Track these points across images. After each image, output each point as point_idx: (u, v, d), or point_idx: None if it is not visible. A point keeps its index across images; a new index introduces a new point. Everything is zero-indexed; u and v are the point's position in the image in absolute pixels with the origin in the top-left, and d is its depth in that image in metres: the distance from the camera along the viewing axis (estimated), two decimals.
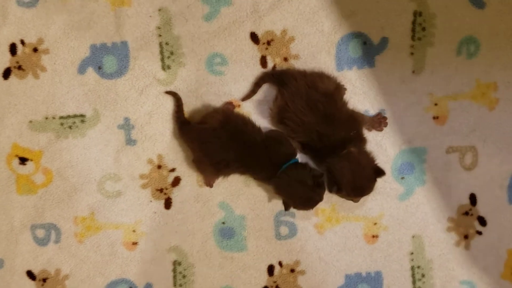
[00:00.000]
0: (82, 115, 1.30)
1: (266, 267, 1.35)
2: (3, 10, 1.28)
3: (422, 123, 1.33)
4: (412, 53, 1.31)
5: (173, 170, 1.33)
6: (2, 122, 1.30)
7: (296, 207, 1.26)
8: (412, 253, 1.35)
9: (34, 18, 1.28)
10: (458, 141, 1.33)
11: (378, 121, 1.31)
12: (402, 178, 1.34)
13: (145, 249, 1.34)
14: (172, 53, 1.30)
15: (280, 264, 1.35)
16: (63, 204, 1.33)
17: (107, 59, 1.29)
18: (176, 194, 1.33)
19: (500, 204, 1.35)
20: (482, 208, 1.35)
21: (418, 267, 1.35)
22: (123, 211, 1.33)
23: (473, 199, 1.35)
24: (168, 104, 1.31)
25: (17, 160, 1.31)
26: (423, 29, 1.30)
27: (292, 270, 1.35)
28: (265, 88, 1.31)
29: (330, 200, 1.32)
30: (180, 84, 1.30)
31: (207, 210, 1.34)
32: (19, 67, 1.29)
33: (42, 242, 1.34)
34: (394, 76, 1.31)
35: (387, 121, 1.32)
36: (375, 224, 1.35)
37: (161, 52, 1.29)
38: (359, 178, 1.22)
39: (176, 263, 1.35)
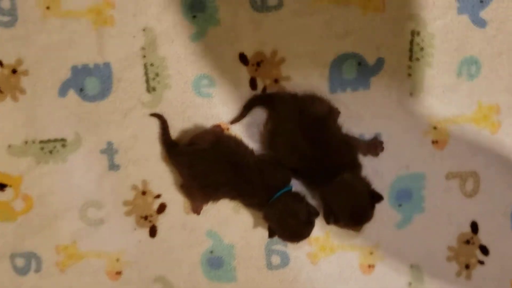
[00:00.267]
0: (63, 139, 1.26)
1: None
2: None
3: (421, 148, 1.30)
4: (409, 74, 1.27)
5: (158, 196, 1.29)
6: None
7: (281, 237, 1.23)
8: (410, 284, 1.33)
9: (12, 38, 1.23)
10: (459, 167, 1.30)
11: (374, 146, 1.28)
12: (400, 205, 1.31)
13: (130, 279, 1.31)
14: (157, 74, 1.26)
15: None
16: (44, 232, 1.29)
17: (89, 81, 1.25)
18: (162, 222, 1.30)
19: (503, 232, 1.32)
20: (484, 237, 1.32)
21: None
22: (107, 239, 1.29)
23: (474, 227, 1.32)
24: (153, 127, 1.27)
25: None
26: (421, 49, 1.26)
27: None
28: (255, 110, 1.28)
29: (324, 228, 1.28)
30: (165, 106, 1.27)
31: (194, 239, 1.30)
32: None
33: (22, 271, 1.30)
34: (391, 98, 1.28)
35: (384, 145, 1.29)
36: (371, 253, 1.32)
37: (146, 74, 1.26)
38: (356, 205, 1.19)
39: None
